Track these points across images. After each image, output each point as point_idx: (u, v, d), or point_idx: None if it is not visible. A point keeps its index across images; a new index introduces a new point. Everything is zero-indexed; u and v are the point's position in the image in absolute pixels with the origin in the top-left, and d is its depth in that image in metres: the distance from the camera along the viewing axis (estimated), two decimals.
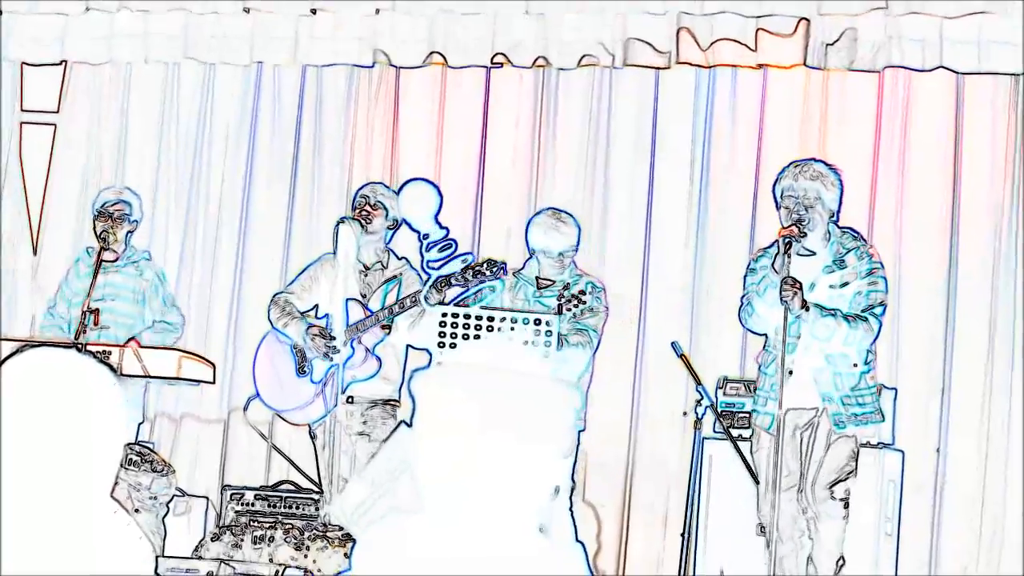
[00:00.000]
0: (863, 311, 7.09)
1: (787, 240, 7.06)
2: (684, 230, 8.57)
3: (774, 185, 7.27)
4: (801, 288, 6.99)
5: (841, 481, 7.14)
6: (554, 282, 7.74)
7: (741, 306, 7.34)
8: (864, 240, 7.31)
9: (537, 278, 7.77)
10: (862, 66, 8.32)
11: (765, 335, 7.25)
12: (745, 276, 7.39)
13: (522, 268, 7.85)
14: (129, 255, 8.34)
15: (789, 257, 7.03)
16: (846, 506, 7.17)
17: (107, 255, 8.14)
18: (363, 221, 7.98)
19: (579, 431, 7.58)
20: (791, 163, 7.34)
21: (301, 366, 7.94)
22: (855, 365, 7.12)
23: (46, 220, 9.07)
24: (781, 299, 6.97)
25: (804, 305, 7.00)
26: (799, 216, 7.10)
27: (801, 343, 7.07)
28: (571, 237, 7.75)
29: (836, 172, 7.25)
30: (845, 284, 7.13)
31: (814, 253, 7.16)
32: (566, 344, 7.50)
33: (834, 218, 7.20)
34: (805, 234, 7.09)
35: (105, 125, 9.06)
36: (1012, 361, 8.21)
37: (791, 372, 7.03)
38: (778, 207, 7.21)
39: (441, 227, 8.04)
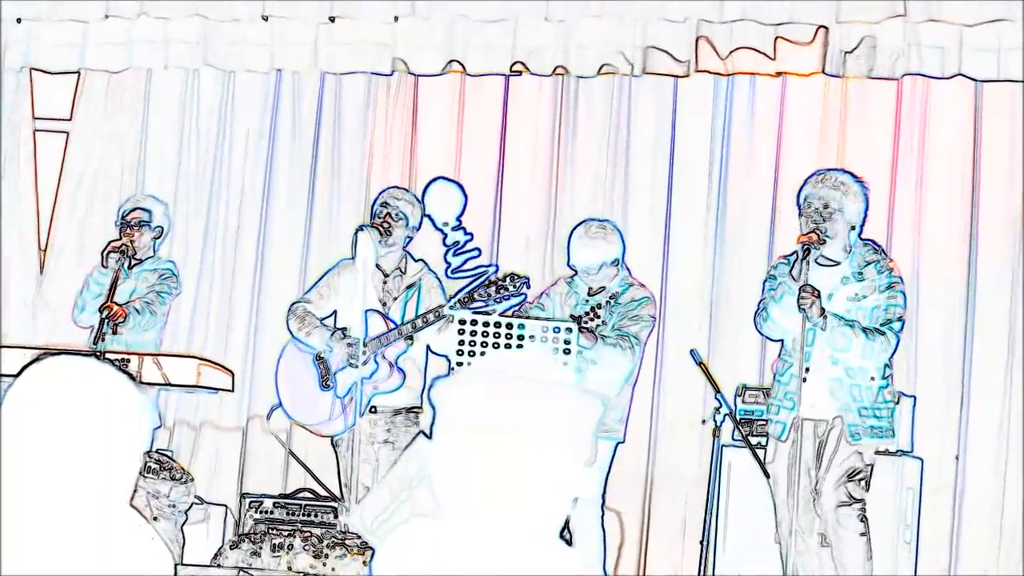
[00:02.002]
0: (881, 325, 7.05)
1: (806, 247, 7.02)
2: (703, 237, 8.55)
3: (798, 192, 7.24)
4: (819, 296, 6.95)
5: (853, 478, 7.07)
6: (604, 288, 7.71)
7: (757, 311, 7.32)
8: (885, 254, 7.28)
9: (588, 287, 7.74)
10: (881, 73, 8.29)
11: (782, 342, 7.22)
12: (764, 282, 7.37)
13: (575, 275, 7.79)
14: (153, 262, 8.22)
15: (807, 264, 6.98)
16: (863, 519, 7.11)
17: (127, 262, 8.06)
18: (383, 232, 7.94)
19: (617, 443, 7.58)
20: (816, 172, 7.32)
21: (325, 380, 7.91)
22: (872, 379, 7.08)
23: (55, 229, 9.04)
24: (799, 306, 6.93)
25: (822, 313, 6.95)
26: (817, 223, 7.07)
27: (817, 353, 7.03)
28: (598, 254, 7.65)
29: (862, 184, 7.21)
30: (864, 297, 7.08)
31: (837, 263, 7.13)
32: (603, 343, 7.49)
33: (857, 231, 7.15)
34: (824, 241, 7.05)
35: (123, 132, 9.05)
36: None
37: (805, 379, 6.99)
38: (800, 214, 7.19)
39: (466, 232, 8.00)
